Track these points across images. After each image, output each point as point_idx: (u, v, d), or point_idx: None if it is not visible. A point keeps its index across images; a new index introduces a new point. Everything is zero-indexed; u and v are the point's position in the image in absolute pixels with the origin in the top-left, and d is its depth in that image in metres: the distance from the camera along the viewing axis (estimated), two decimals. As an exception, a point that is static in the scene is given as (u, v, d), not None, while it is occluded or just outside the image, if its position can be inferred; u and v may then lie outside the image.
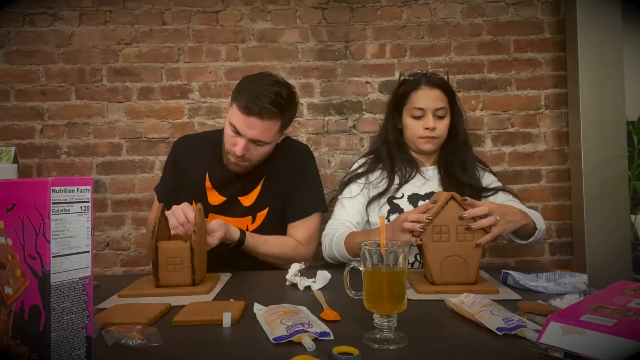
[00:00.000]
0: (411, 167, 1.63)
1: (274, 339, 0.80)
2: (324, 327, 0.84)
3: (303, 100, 2.15)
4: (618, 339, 0.67)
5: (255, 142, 1.44)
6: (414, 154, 1.66)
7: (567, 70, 2.12)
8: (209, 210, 1.53)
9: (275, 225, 1.57)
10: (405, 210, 1.53)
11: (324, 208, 1.64)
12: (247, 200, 1.57)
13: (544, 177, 2.16)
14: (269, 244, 1.50)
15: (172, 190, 1.61)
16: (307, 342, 0.77)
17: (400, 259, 0.82)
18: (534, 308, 0.93)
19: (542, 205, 2.15)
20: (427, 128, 1.57)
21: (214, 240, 1.32)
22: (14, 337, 0.65)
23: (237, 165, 1.50)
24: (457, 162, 1.62)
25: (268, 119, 1.40)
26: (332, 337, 0.81)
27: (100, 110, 2.14)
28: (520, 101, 2.16)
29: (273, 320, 0.87)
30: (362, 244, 0.85)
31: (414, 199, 1.59)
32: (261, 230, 1.55)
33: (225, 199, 1.56)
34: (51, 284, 0.63)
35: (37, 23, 2.12)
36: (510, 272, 1.16)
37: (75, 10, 2.13)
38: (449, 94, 1.61)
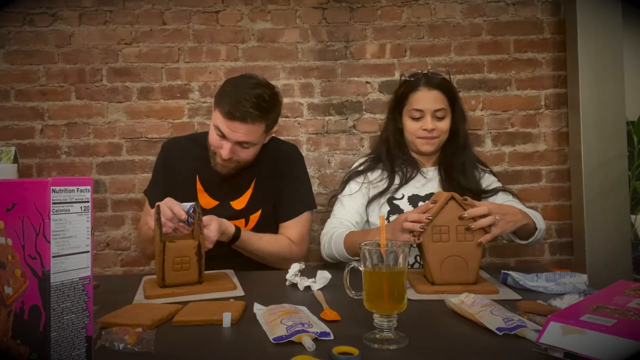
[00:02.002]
0: (412, 167, 1.62)
1: (274, 339, 0.80)
2: (324, 327, 0.84)
3: (303, 100, 2.15)
4: (618, 339, 0.67)
5: (240, 144, 1.44)
6: (414, 155, 1.65)
7: (567, 70, 2.12)
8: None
9: (269, 227, 1.57)
10: (405, 211, 1.53)
11: (314, 206, 1.65)
12: (239, 204, 1.56)
13: (544, 177, 2.16)
14: (263, 240, 1.49)
15: (163, 192, 1.56)
16: (307, 342, 0.77)
17: (400, 259, 0.82)
18: (534, 308, 0.93)
19: (542, 205, 2.15)
20: (425, 129, 1.56)
21: (212, 233, 1.29)
22: (14, 337, 0.65)
23: (224, 167, 1.50)
24: (457, 164, 1.61)
25: (252, 122, 1.40)
26: (332, 337, 0.81)
27: (100, 110, 2.14)
28: (520, 101, 2.16)
29: (273, 320, 0.87)
30: (362, 244, 0.85)
31: (414, 199, 1.58)
32: (255, 232, 1.54)
33: (217, 202, 1.56)
34: (51, 284, 0.63)
35: (37, 23, 2.12)
36: (510, 272, 1.16)
37: (75, 10, 2.13)
38: (450, 94, 1.59)
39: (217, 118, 1.42)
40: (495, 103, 2.16)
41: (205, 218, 1.32)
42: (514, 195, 1.61)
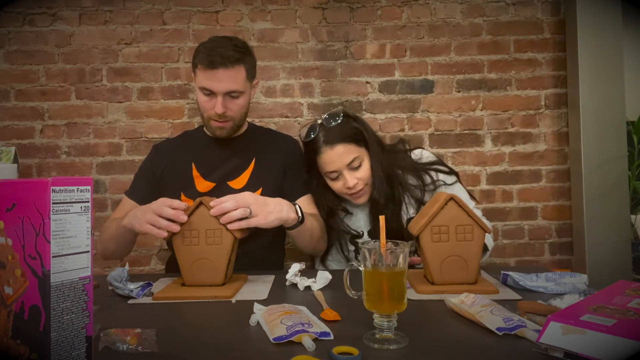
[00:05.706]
0: (350, 206, 1.55)
1: (274, 339, 0.80)
2: (324, 327, 0.84)
3: (303, 100, 2.15)
4: (618, 339, 0.67)
5: (230, 95, 1.48)
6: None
7: (567, 70, 2.12)
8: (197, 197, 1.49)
9: None
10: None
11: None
12: (238, 184, 1.55)
13: (544, 177, 2.16)
14: (310, 218, 1.41)
15: (150, 192, 1.54)
16: (307, 342, 0.77)
17: (400, 259, 0.82)
18: (534, 308, 0.93)
19: (542, 205, 2.15)
20: (348, 187, 1.43)
21: (267, 220, 1.23)
22: (14, 337, 0.65)
23: (222, 129, 1.53)
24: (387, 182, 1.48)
25: (232, 65, 1.44)
26: (332, 337, 0.81)
27: (100, 110, 2.14)
28: (520, 101, 2.16)
29: (273, 320, 0.87)
30: (362, 243, 0.85)
31: (373, 233, 1.53)
32: None
33: (214, 184, 1.55)
34: (51, 284, 0.63)
35: (37, 23, 2.12)
36: (510, 272, 1.16)
37: (75, 10, 2.13)
38: (354, 137, 1.44)
39: (200, 77, 1.47)
40: (495, 103, 2.16)
41: (220, 199, 1.21)
42: (471, 196, 1.53)
